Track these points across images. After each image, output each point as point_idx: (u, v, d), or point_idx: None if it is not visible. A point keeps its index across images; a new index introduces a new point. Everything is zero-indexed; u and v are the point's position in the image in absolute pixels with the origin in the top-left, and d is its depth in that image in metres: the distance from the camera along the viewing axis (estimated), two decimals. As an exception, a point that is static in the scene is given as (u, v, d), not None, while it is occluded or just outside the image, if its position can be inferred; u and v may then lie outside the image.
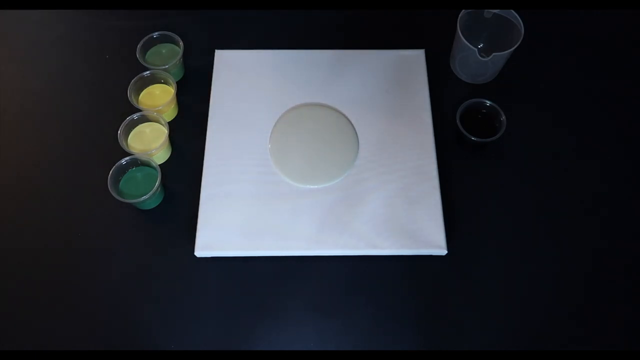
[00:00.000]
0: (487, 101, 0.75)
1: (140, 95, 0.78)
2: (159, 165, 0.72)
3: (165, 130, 0.74)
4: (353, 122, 0.76)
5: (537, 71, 0.82)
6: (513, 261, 0.69)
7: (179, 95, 0.79)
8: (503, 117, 0.73)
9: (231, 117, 0.76)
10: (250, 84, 0.78)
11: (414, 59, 0.80)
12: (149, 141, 0.75)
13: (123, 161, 0.71)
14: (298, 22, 0.86)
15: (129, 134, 0.75)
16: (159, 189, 0.71)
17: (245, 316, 0.66)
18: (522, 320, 0.66)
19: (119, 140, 0.72)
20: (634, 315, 0.67)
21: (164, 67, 0.77)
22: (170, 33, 0.80)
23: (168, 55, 0.81)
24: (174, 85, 0.76)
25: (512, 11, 0.75)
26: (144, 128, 0.75)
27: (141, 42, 0.79)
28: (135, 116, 0.74)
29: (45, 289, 0.68)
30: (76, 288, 0.68)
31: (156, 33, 0.80)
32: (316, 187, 0.71)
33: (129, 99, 0.75)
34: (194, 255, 0.68)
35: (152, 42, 0.80)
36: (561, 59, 0.83)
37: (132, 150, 0.72)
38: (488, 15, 0.75)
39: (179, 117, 0.79)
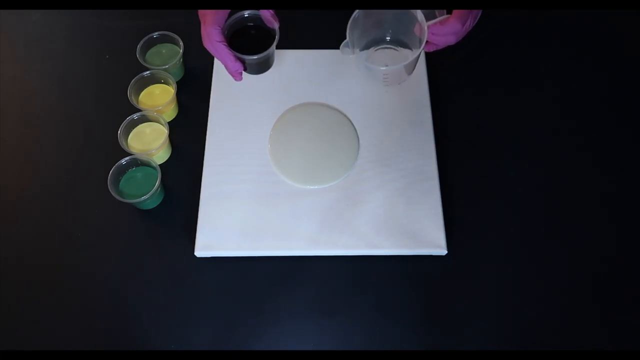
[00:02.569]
0: (245, 13, 0.64)
1: (140, 95, 0.78)
2: (159, 165, 0.72)
3: (165, 130, 0.74)
4: (353, 122, 0.76)
5: (539, 70, 0.82)
6: (513, 261, 0.69)
7: (179, 95, 0.79)
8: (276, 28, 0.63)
9: (231, 117, 0.76)
10: (250, 84, 0.78)
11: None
12: (149, 141, 0.74)
13: (123, 161, 0.71)
14: (298, 22, 0.86)
15: (129, 134, 0.75)
16: (159, 189, 0.71)
17: (245, 316, 0.66)
18: (522, 320, 0.66)
19: (119, 140, 0.72)
20: (635, 316, 0.67)
21: (164, 67, 0.77)
22: (170, 33, 0.80)
23: (168, 55, 0.81)
24: (174, 85, 0.76)
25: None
26: (144, 128, 0.75)
27: (141, 42, 0.79)
28: (135, 116, 0.74)
29: (45, 289, 0.68)
30: (76, 288, 0.68)
31: (156, 33, 0.80)
32: (316, 187, 0.71)
33: (129, 99, 0.75)
34: (194, 255, 0.68)
35: (152, 42, 0.80)
36: (564, 57, 0.83)
37: (132, 150, 0.72)
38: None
39: (179, 117, 0.79)
